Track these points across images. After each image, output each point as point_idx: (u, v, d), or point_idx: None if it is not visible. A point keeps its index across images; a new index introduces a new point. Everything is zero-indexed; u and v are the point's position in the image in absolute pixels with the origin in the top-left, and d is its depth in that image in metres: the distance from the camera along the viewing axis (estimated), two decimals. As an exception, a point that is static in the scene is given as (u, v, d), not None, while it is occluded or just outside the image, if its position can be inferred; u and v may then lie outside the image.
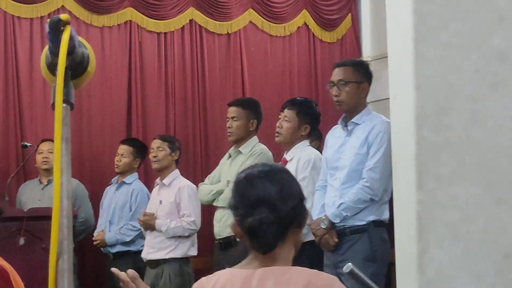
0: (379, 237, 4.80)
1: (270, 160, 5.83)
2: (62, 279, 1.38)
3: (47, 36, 1.49)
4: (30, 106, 7.31)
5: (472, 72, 0.89)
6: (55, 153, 1.44)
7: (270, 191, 2.51)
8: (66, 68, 1.48)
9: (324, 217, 4.90)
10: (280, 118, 5.55)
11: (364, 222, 4.80)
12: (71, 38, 1.49)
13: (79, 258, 7.01)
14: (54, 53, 1.49)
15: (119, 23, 7.76)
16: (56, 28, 1.47)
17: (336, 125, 5.21)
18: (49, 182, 6.74)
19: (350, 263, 1.63)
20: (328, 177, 5.06)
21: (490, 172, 0.87)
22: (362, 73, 5.00)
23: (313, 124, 5.58)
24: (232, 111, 6.10)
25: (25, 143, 6.76)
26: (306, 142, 5.55)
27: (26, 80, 7.31)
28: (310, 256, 5.33)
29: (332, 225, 4.84)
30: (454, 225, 0.87)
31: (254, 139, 6.06)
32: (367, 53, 8.48)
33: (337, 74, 5.02)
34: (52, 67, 1.54)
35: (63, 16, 1.46)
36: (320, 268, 5.54)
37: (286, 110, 5.53)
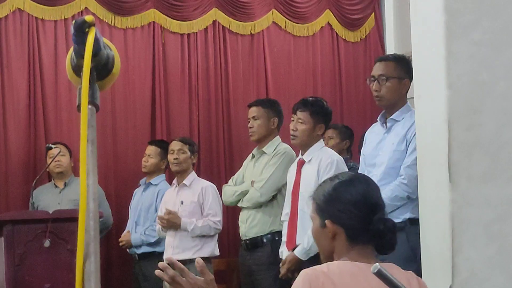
0: (417, 235, 4.60)
1: (293, 159, 5.80)
2: (89, 281, 1.38)
3: (72, 38, 1.48)
4: (55, 108, 7.35)
5: (505, 70, 0.86)
6: (81, 155, 1.43)
7: (381, 197, 2.70)
8: (91, 69, 1.47)
9: None
10: (293, 121, 5.45)
11: (400, 220, 4.55)
12: (96, 40, 1.48)
13: (106, 259, 7.05)
14: (79, 55, 1.48)
15: (142, 24, 7.78)
16: (81, 30, 1.46)
17: (375, 123, 5.09)
18: (66, 185, 6.80)
19: (377, 263, 1.60)
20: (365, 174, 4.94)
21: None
22: (405, 69, 4.78)
23: (327, 123, 5.52)
24: (253, 111, 6.11)
25: (50, 145, 6.79)
26: (321, 143, 5.49)
27: (51, 82, 7.35)
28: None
29: None
30: (487, 225, 0.85)
31: (277, 138, 6.05)
32: (391, 52, 8.43)
33: (378, 68, 4.84)
34: (77, 69, 1.54)
35: (88, 18, 1.46)
36: None
37: (299, 112, 5.41)
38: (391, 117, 4.81)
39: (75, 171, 7.03)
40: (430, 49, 3.72)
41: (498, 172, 0.80)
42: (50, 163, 6.69)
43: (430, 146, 3.82)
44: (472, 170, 0.76)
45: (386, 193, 4.64)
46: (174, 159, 6.43)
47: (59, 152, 6.66)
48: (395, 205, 4.55)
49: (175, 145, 6.52)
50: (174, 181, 6.52)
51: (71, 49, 1.55)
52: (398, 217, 4.53)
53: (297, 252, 5.15)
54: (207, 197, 6.28)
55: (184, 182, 6.39)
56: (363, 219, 2.58)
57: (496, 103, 0.80)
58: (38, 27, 7.37)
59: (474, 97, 0.76)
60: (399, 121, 4.78)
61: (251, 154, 6.16)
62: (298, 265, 5.14)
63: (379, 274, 1.56)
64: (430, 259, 3.79)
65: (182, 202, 6.30)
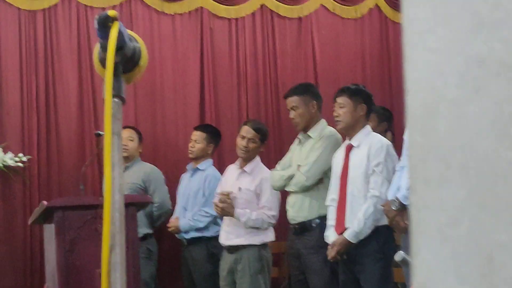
0: None
1: (340, 142, 5.79)
2: (114, 272, 1.40)
3: (96, 33, 1.51)
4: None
5: (456, 77, 0.91)
6: (105, 148, 1.45)
7: None
8: (116, 63, 1.49)
9: (395, 199, 4.85)
10: (335, 109, 5.54)
11: None
12: (120, 33, 1.50)
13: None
14: (104, 48, 1.50)
15: (190, 10, 7.80)
16: (104, 24, 1.48)
17: None
18: (126, 168, 6.71)
19: (401, 251, 1.59)
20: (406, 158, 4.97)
21: (473, 176, 0.89)
22: None
23: (368, 103, 5.53)
24: (290, 101, 6.03)
25: (99, 132, 6.85)
26: (368, 128, 5.53)
27: (100, 70, 7.41)
28: (384, 240, 5.29)
29: (403, 207, 4.75)
30: (441, 228, 0.90)
31: (322, 121, 6.01)
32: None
33: None
34: (104, 62, 1.56)
35: (111, 13, 1.48)
36: (393, 253, 5.47)
37: (337, 99, 5.54)
38: None
39: (142, 156, 7.14)
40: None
41: (450, 177, 0.82)
42: (99, 149, 6.72)
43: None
44: (428, 174, 0.78)
45: None
46: (243, 146, 6.29)
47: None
48: None
49: (247, 132, 6.33)
50: (237, 162, 6.47)
51: (98, 44, 1.57)
52: None
53: (348, 235, 5.22)
54: (264, 189, 6.19)
55: (245, 168, 6.32)
56: None
57: (449, 108, 0.82)
58: (87, 15, 7.43)
59: (429, 102, 0.78)
60: None
61: (297, 139, 6.14)
62: (348, 248, 5.26)
63: (403, 262, 1.54)
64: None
65: (240, 189, 6.22)
